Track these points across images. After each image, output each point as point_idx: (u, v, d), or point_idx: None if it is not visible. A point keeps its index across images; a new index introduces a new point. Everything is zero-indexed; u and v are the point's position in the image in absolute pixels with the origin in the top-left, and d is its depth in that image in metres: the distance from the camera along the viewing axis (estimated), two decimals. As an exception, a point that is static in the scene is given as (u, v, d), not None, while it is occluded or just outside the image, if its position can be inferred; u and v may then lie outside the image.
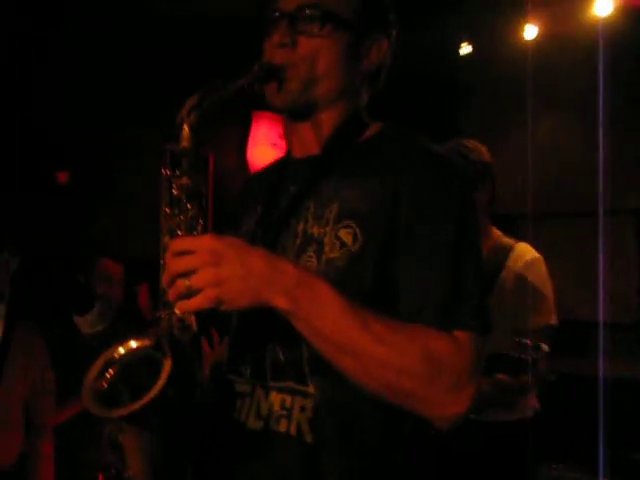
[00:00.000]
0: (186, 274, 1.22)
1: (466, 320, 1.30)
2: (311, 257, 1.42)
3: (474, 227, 1.40)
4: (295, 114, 1.54)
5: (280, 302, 1.23)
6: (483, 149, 2.88)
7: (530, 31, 4.99)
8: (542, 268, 2.89)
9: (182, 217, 1.35)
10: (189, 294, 1.22)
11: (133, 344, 1.33)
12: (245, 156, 5.87)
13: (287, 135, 1.62)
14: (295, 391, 1.38)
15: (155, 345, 1.30)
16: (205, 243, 1.23)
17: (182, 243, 1.26)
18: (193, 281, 1.21)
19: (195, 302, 1.22)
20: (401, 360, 1.24)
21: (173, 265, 1.24)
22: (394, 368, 1.24)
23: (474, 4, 4.51)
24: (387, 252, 1.36)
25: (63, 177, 4.41)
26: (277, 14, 1.49)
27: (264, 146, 5.76)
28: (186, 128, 1.34)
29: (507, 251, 2.89)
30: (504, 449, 2.74)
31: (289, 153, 1.64)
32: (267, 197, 1.59)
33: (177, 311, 1.26)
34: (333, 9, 1.47)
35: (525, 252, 2.92)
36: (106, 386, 1.28)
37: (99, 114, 4.60)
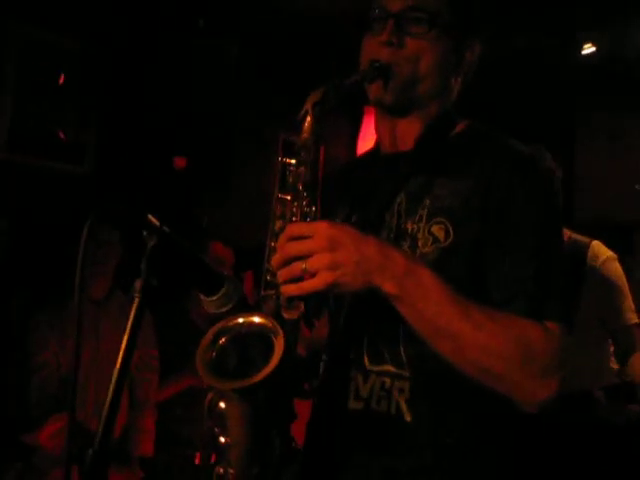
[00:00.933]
0: (302, 257, 1.27)
1: (556, 311, 1.37)
2: (406, 252, 1.46)
3: (558, 224, 1.49)
4: (395, 111, 1.58)
5: (389, 287, 1.29)
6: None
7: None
8: (619, 266, 2.90)
9: (296, 204, 1.40)
10: (302, 277, 1.27)
11: (243, 319, 1.37)
12: (355, 150, 5.90)
13: (379, 129, 1.66)
14: (393, 375, 1.46)
15: (265, 322, 1.35)
16: (322, 228, 1.28)
17: (299, 228, 1.32)
18: (310, 264, 1.26)
19: (311, 284, 1.27)
20: (497, 345, 1.31)
21: (290, 248, 1.29)
22: (490, 352, 1.31)
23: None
24: (477, 247, 1.42)
25: (181, 162, 4.53)
26: (383, 13, 1.54)
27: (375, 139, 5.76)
28: (309, 120, 1.40)
29: (584, 248, 2.88)
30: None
31: (378, 148, 1.68)
32: (360, 191, 1.64)
33: (290, 291, 1.30)
34: (439, 12, 1.52)
35: (603, 250, 2.92)
36: (216, 355, 1.34)
37: (218, 104, 4.71)
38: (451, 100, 1.62)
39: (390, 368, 1.47)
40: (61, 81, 4.24)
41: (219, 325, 1.36)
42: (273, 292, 1.37)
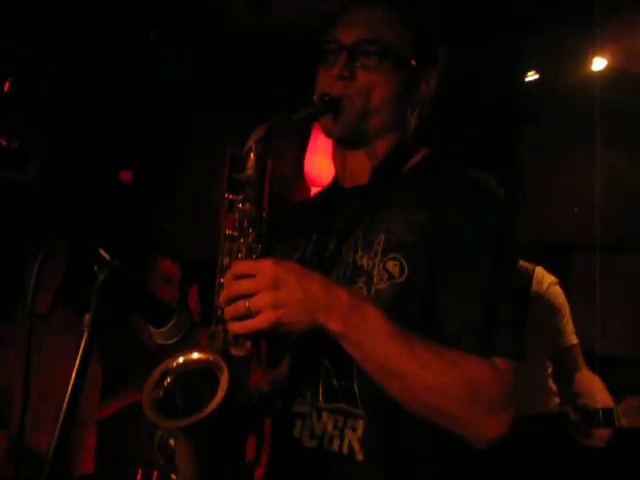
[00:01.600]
0: (246, 296, 1.28)
1: (504, 347, 1.37)
2: (361, 288, 1.47)
3: (511, 255, 1.46)
4: (347, 143, 1.60)
5: (334, 326, 1.30)
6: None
7: (598, 63, 4.90)
8: (561, 290, 3.03)
9: (242, 241, 1.41)
10: (248, 315, 1.28)
11: (190, 356, 1.37)
12: (302, 165, 5.91)
13: (337, 163, 1.68)
14: (347, 413, 1.46)
15: (211, 359, 1.35)
16: (266, 267, 1.29)
17: (244, 266, 1.33)
18: (253, 303, 1.27)
19: (254, 323, 1.28)
20: (443, 385, 1.31)
21: (234, 286, 1.30)
22: (437, 392, 1.31)
23: (543, 31, 4.48)
24: (431, 282, 1.42)
25: (127, 176, 4.50)
26: (336, 46, 1.55)
27: (322, 157, 5.78)
28: (252, 157, 1.42)
29: (530, 275, 2.98)
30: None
31: (337, 182, 1.69)
32: (319, 225, 1.64)
33: (235, 329, 1.31)
34: (392, 45, 1.54)
35: (547, 276, 3.03)
36: (162, 394, 1.34)
37: (165, 117, 4.70)
38: (408, 132, 1.63)
39: (343, 406, 1.47)
40: (6, 88, 4.17)
41: (165, 364, 1.36)
42: (221, 328, 1.38)
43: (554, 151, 5.56)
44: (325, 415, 1.48)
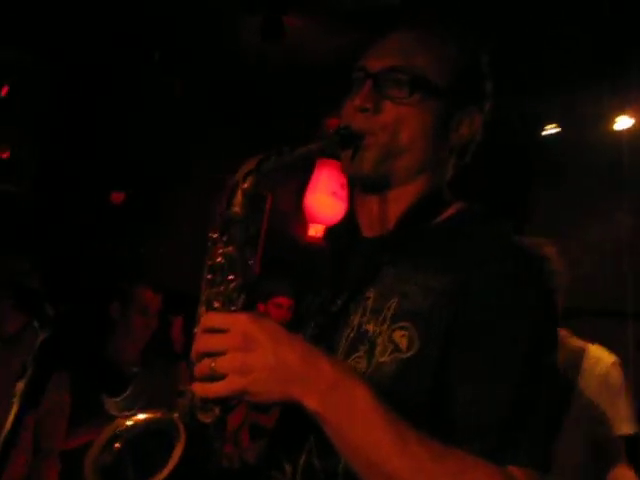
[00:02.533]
0: (214, 354, 1.10)
1: (525, 454, 1.11)
2: (361, 358, 1.26)
3: (550, 344, 1.20)
4: (368, 187, 1.39)
5: (310, 403, 1.08)
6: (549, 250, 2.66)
7: (623, 122, 4.74)
8: (621, 372, 2.69)
9: (222, 288, 1.22)
10: (212, 377, 1.10)
11: (142, 416, 1.23)
12: (302, 201, 5.77)
13: (357, 208, 1.46)
14: None
15: (169, 421, 1.19)
16: (239, 323, 1.11)
17: (215, 319, 1.15)
18: (218, 364, 1.09)
19: (216, 388, 1.10)
20: None
21: (201, 342, 1.13)
22: None
23: (568, 86, 4.35)
24: (445, 361, 1.17)
25: (118, 197, 4.37)
26: (362, 74, 1.36)
27: (323, 194, 5.65)
28: (240, 193, 1.22)
29: (580, 355, 2.67)
30: None
31: (359, 230, 1.47)
32: (330, 278, 1.46)
33: (197, 392, 1.14)
34: (425, 74, 1.33)
35: (603, 355, 2.71)
36: (111, 459, 1.19)
37: (164, 139, 4.57)
38: (442, 179, 1.41)
39: None
40: (4, 93, 4.03)
41: (116, 424, 1.20)
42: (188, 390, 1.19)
43: (569, 214, 5.38)
44: None
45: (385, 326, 1.25)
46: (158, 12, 4.05)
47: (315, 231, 5.76)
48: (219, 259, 1.23)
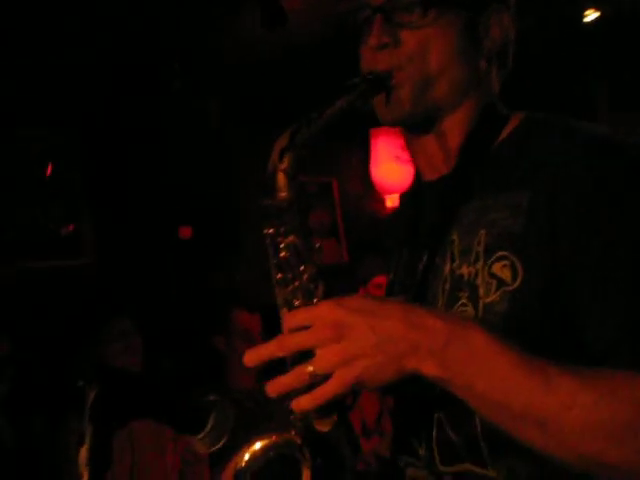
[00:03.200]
0: (306, 356, 0.97)
1: None
2: (466, 305, 1.13)
3: None
4: (414, 127, 1.25)
5: (430, 369, 0.96)
6: None
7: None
8: None
9: (297, 282, 1.09)
10: (315, 381, 0.96)
11: (258, 445, 1.12)
12: (370, 177, 5.61)
13: (412, 154, 1.32)
14: (475, 477, 1.09)
15: (288, 442, 1.09)
16: (324, 312, 0.98)
17: (295, 318, 1.01)
18: (317, 365, 0.96)
19: (325, 391, 0.96)
20: (603, 423, 0.92)
21: (288, 344, 0.99)
22: (596, 435, 0.93)
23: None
24: (556, 281, 1.05)
25: (187, 232, 4.33)
26: (368, 11, 1.21)
27: (387, 163, 5.47)
28: (281, 175, 1.09)
29: None
30: None
31: (419, 176, 1.34)
32: (406, 237, 1.33)
33: (303, 407, 0.99)
34: None
35: None
36: None
37: (208, 168, 4.54)
38: (491, 93, 1.26)
39: (469, 467, 1.10)
40: (48, 172, 4.04)
41: (235, 463, 1.09)
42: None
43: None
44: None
45: (480, 263, 1.13)
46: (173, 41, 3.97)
47: (392, 201, 5.59)
48: (283, 253, 1.10)
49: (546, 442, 0.95)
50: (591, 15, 4.56)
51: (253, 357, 1.00)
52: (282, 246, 1.10)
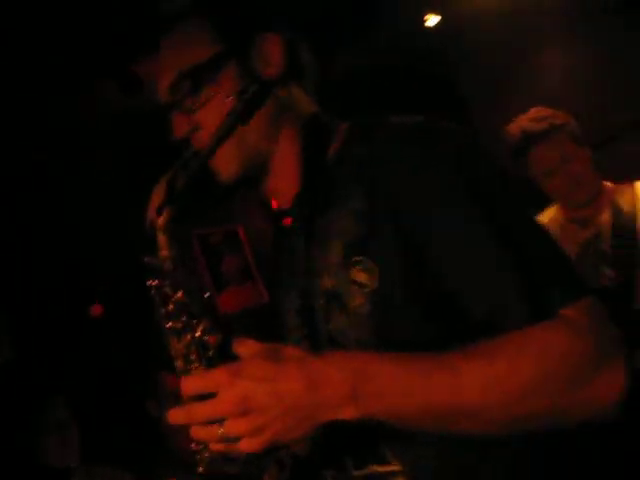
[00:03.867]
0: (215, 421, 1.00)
1: (563, 295, 1.03)
2: (339, 315, 1.17)
3: (499, 190, 1.12)
4: (252, 174, 1.29)
5: (348, 414, 0.99)
6: (556, 112, 2.56)
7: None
8: None
9: (189, 337, 1.11)
10: (228, 440, 1.00)
11: None
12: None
13: (265, 194, 1.36)
14: (382, 475, 1.16)
15: None
16: (222, 385, 0.98)
17: (195, 385, 1.02)
18: (228, 430, 0.99)
19: (239, 450, 1.00)
20: (520, 384, 0.98)
21: (197, 414, 1.01)
22: (517, 399, 0.99)
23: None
24: (416, 270, 1.10)
25: (98, 310, 4.26)
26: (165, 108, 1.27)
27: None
28: (160, 235, 1.12)
29: (631, 198, 2.49)
30: None
31: (269, 207, 1.38)
32: (273, 267, 1.38)
33: (223, 451, 1.04)
34: (188, 68, 1.22)
35: None
36: None
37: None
38: (303, 111, 1.30)
39: (375, 469, 1.16)
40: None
41: None
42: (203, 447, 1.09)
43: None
44: None
45: (341, 272, 1.16)
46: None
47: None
48: (172, 307, 1.12)
49: (481, 426, 1.01)
50: (432, 19, 4.76)
51: (173, 419, 1.02)
52: (169, 300, 1.12)
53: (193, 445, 1.09)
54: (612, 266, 2.35)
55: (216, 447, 1.02)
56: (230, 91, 1.22)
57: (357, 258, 1.14)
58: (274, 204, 1.35)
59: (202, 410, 1.00)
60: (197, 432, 1.01)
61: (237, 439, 0.99)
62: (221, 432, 0.98)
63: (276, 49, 1.25)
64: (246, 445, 0.99)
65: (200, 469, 1.09)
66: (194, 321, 1.10)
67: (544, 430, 1.04)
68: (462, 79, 5.51)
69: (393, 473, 1.15)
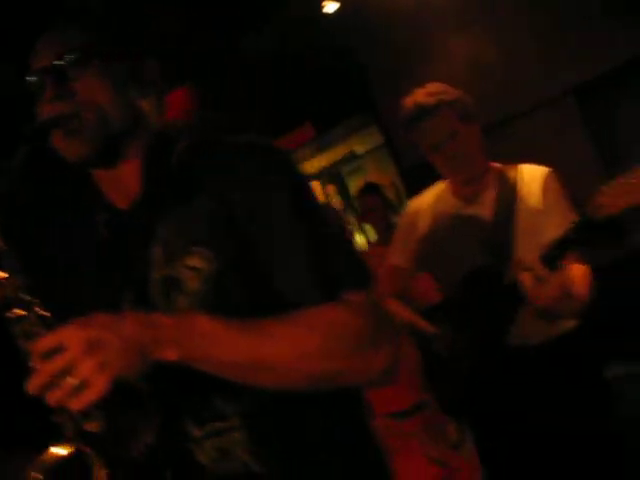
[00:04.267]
0: (66, 372, 1.13)
1: (347, 282, 1.32)
2: (178, 299, 1.36)
3: (306, 197, 1.39)
4: (99, 161, 1.43)
5: (171, 354, 1.20)
6: (449, 89, 2.60)
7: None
8: (557, 178, 2.57)
9: (31, 315, 1.24)
10: (79, 389, 1.13)
11: (50, 457, 1.23)
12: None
13: (103, 188, 1.50)
14: (223, 430, 1.36)
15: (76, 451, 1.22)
16: (71, 335, 1.14)
17: (46, 342, 1.16)
18: (78, 376, 1.12)
19: (90, 395, 1.13)
20: (310, 349, 1.26)
21: (48, 368, 1.13)
22: (308, 360, 1.27)
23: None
24: (245, 257, 1.34)
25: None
26: (37, 76, 1.40)
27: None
28: None
29: (515, 175, 2.58)
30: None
31: (109, 204, 1.51)
32: (114, 260, 1.49)
33: (75, 408, 1.15)
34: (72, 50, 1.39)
35: (537, 168, 2.61)
36: None
37: None
38: (151, 122, 1.47)
39: (216, 425, 1.36)
40: None
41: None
42: (64, 413, 1.20)
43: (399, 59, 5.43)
44: (204, 442, 1.37)
45: (180, 260, 1.36)
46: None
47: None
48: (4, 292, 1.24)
49: (276, 378, 1.28)
50: (330, 5, 4.87)
51: (31, 387, 1.14)
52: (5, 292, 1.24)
53: (55, 417, 1.21)
54: (490, 245, 2.45)
55: (73, 404, 1.13)
56: (111, 79, 1.41)
57: (196, 248, 1.35)
58: (115, 201, 1.48)
59: (53, 363, 1.12)
60: (53, 395, 1.13)
61: (88, 385, 1.11)
62: (72, 382, 1.11)
63: (152, 68, 1.48)
64: (95, 385, 1.11)
65: (67, 434, 1.21)
66: (29, 298, 1.23)
67: (333, 387, 1.32)
68: (364, 64, 5.63)
69: (233, 428, 1.34)
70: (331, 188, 7.76)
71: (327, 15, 4.93)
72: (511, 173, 2.59)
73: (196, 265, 1.34)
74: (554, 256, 2.19)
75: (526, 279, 2.18)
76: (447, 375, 2.53)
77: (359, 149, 7.30)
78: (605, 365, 2.71)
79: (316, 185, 7.61)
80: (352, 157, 7.38)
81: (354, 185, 7.32)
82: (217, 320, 1.23)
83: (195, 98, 5.35)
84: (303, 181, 1.42)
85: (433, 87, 2.56)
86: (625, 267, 4.43)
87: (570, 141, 4.86)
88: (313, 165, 7.40)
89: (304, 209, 1.36)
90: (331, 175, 7.76)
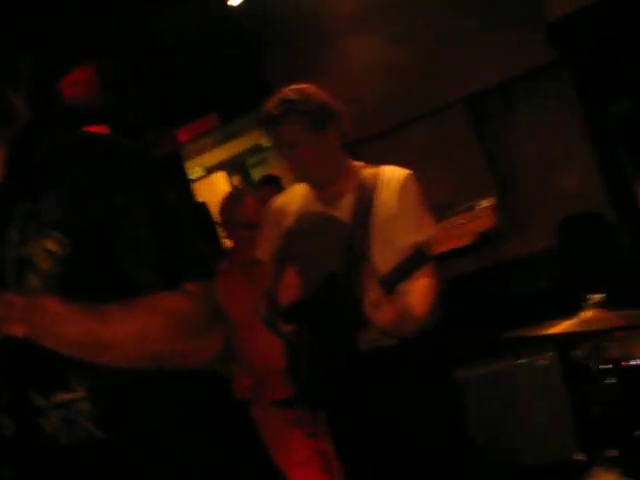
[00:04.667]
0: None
1: (189, 274, 1.43)
2: (30, 278, 1.43)
3: (161, 192, 1.49)
4: None
5: (18, 330, 1.31)
6: (313, 90, 2.57)
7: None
8: (416, 183, 2.59)
9: None
10: None
11: None
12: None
13: None
14: (68, 402, 1.43)
15: None
16: None
17: None
18: None
19: None
20: (148, 332, 1.38)
21: None
22: (146, 342, 1.38)
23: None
24: (97, 243, 1.41)
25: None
26: None
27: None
28: None
29: (375, 177, 2.59)
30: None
31: None
32: None
33: None
34: None
35: (397, 170, 2.62)
36: None
37: None
38: (23, 114, 1.52)
39: (61, 396, 1.43)
40: None
41: None
42: None
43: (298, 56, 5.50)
44: (50, 413, 1.44)
45: (37, 244, 1.43)
46: None
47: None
48: None
49: (116, 357, 1.39)
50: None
51: None
52: None
53: None
54: (347, 249, 2.46)
55: None
56: None
57: (51, 232, 1.42)
58: None
59: None
60: None
61: None
62: None
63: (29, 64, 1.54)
64: None
65: None
66: None
67: (172, 367, 1.44)
68: (266, 61, 5.69)
69: (78, 399, 1.41)
70: (236, 179, 7.81)
71: (232, 7, 5.00)
72: (372, 176, 2.59)
73: (50, 248, 1.41)
74: (392, 282, 2.26)
75: (366, 303, 2.24)
76: (302, 371, 2.56)
77: (265, 142, 7.36)
78: (454, 367, 2.90)
79: (222, 175, 7.66)
80: (257, 149, 7.43)
81: (259, 177, 7.38)
82: (64, 302, 1.34)
83: (99, 79, 5.34)
84: (158, 175, 1.52)
85: (291, 92, 2.53)
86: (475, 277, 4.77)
87: (460, 150, 4.98)
88: (218, 155, 7.43)
89: (157, 202, 1.46)
90: (236, 166, 7.81)
